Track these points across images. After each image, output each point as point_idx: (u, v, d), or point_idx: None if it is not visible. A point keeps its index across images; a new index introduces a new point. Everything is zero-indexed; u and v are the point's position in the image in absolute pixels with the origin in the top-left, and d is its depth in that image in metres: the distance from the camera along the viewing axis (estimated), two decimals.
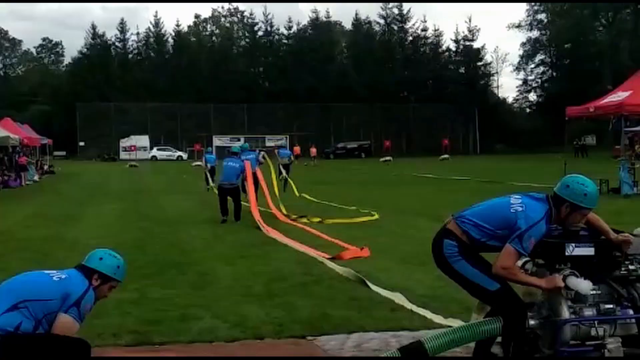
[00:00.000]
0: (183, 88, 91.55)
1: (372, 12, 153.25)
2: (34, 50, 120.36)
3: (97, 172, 47.92)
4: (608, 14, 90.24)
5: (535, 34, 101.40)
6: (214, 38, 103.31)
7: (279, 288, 8.61)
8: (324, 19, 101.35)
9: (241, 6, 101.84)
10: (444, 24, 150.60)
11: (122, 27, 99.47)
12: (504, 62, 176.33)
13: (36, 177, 37.54)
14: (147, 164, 66.18)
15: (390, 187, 28.52)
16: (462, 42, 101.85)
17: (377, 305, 7.56)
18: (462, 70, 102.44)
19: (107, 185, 33.42)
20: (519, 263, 5.05)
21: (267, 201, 17.92)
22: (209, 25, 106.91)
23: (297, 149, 64.67)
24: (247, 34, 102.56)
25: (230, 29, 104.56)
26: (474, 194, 22.88)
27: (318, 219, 15.96)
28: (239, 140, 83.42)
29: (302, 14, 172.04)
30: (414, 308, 7.38)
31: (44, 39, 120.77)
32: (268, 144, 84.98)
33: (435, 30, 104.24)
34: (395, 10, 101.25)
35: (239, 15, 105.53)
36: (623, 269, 4.96)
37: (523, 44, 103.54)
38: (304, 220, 15.93)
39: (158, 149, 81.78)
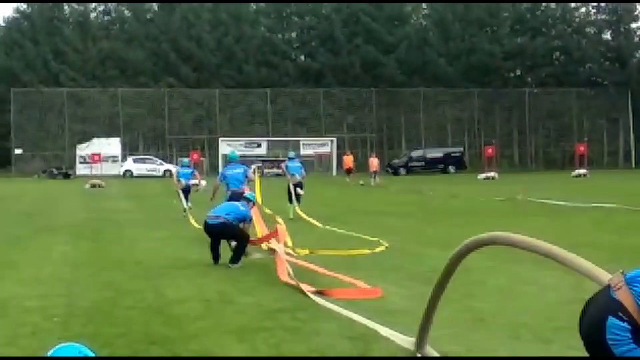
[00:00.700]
0: (173, 66, 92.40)
1: None
2: None
3: (42, 196, 48.44)
4: None
5: None
6: None
7: None
8: None
9: None
10: None
11: None
12: None
13: None
14: (118, 182, 66.80)
15: (495, 220, 28.32)
16: None
17: None
18: (606, 36, 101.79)
19: (57, 215, 33.72)
20: None
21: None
22: None
23: (348, 159, 64.79)
24: None
25: None
26: (629, 232, 22.64)
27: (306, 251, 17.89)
28: (258, 146, 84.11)
29: None
30: None
31: None
32: (305, 151, 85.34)
33: None
34: None
35: None
36: None
37: None
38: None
39: (135, 160, 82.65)
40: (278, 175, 78.94)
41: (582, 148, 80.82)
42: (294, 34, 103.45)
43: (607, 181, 57.80)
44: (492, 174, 67.59)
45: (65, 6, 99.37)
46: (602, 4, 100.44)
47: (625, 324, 4.67)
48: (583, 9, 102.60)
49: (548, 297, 12.86)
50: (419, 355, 9.13)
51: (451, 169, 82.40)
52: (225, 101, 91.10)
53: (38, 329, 10.81)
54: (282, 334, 10.78)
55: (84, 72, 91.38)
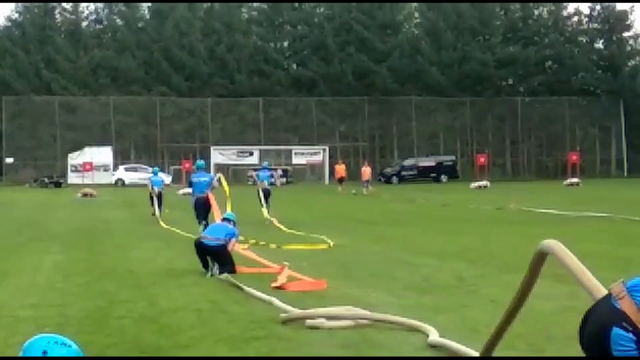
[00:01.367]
0: (165, 74, 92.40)
1: None
2: None
3: (34, 205, 48.39)
4: None
5: None
6: None
7: None
8: None
9: None
10: None
11: None
12: None
13: None
14: (110, 191, 66.76)
15: (487, 229, 28.35)
16: (598, 1, 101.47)
17: None
18: (598, 45, 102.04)
19: (48, 224, 33.70)
20: None
21: None
22: None
23: (340, 168, 64.79)
24: None
25: None
26: (622, 242, 22.68)
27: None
28: (250, 154, 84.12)
29: None
30: None
31: None
32: (297, 159, 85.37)
33: None
34: None
35: None
36: None
37: None
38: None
39: (127, 169, 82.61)
40: (271, 184, 78.85)
41: (574, 157, 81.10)
42: (286, 43, 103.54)
43: (600, 190, 57.86)
44: (484, 182, 67.64)
45: (57, 15, 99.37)
46: (595, 13, 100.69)
47: (630, 335, 4.63)
48: (575, 18, 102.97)
49: (542, 307, 12.84)
50: None
51: (443, 177, 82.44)
52: (217, 110, 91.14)
53: (30, 339, 10.78)
54: (274, 343, 10.78)
55: (76, 80, 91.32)
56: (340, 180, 63.76)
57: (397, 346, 10.32)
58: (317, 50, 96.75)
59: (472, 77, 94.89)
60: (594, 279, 6.06)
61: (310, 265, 17.93)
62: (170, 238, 26.20)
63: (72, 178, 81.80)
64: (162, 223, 31.34)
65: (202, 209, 26.40)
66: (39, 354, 4.77)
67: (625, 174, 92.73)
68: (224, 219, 19.12)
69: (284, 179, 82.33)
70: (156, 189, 36.14)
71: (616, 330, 4.65)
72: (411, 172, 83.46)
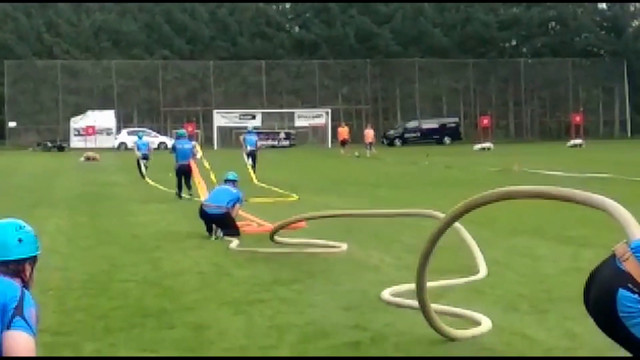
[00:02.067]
0: (167, 38, 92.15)
1: None
2: None
3: (37, 169, 48.41)
4: None
5: None
6: None
7: (317, 351, 8.60)
8: None
9: None
10: None
11: None
12: None
13: None
14: (113, 155, 66.77)
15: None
16: None
17: None
18: (602, 5, 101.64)
19: (52, 189, 33.71)
20: None
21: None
22: None
23: (343, 130, 64.70)
24: None
25: None
26: (623, 203, 22.65)
27: None
28: (253, 117, 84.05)
29: None
30: None
31: None
32: (299, 122, 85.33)
33: None
34: None
35: None
36: None
37: None
38: None
39: (129, 133, 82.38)
40: (273, 146, 79.10)
41: (577, 118, 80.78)
42: (288, 5, 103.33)
43: (603, 151, 57.83)
44: (487, 144, 67.60)
45: None
46: None
47: (636, 296, 4.63)
48: None
49: (544, 268, 12.88)
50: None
51: (447, 139, 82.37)
52: (219, 73, 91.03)
53: None
54: (278, 305, 10.81)
55: (78, 44, 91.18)
56: (343, 142, 63.69)
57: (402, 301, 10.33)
58: (319, 13, 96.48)
59: (475, 38, 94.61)
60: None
61: (313, 226, 17.93)
62: (173, 202, 26.22)
63: (75, 142, 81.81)
64: (150, 182, 33.68)
65: (184, 176, 27.48)
66: (15, 241, 5.02)
67: (629, 134, 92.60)
68: (226, 180, 18.86)
69: (287, 142, 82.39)
70: (140, 153, 38.17)
71: (622, 292, 4.64)
72: (414, 135, 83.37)
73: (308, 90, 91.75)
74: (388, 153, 64.37)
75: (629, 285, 4.64)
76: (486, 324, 9.17)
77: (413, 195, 26.88)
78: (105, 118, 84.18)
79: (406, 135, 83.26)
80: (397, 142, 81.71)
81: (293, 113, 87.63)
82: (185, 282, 12.77)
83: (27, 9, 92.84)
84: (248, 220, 19.22)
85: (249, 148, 39.27)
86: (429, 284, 10.50)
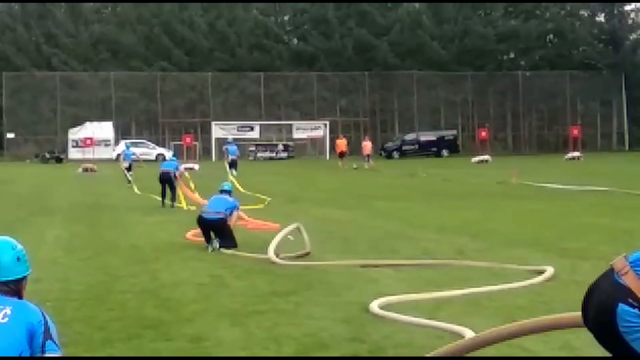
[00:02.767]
0: (166, 49, 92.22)
1: None
2: None
3: (35, 180, 48.39)
4: None
5: None
6: None
7: None
8: None
9: None
10: None
11: None
12: None
13: None
14: (110, 166, 66.71)
15: (489, 203, 28.37)
16: None
17: None
18: (600, 18, 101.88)
19: (50, 199, 33.73)
20: None
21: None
22: None
23: (341, 143, 64.69)
24: None
25: None
26: (623, 215, 22.72)
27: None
28: (251, 129, 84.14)
29: None
30: None
31: None
32: (297, 134, 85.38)
33: None
34: None
35: None
36: None
37: None
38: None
39: (128, 144, 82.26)
40: (271, 158, 79.15)
41: (575, 131, 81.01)
42: (286, 17, 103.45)
43: (601, 164, 57.89)
44: (485, 157, 67.67)
45: None
46: None
47: (636, 310, 4.61)
48: None
49: (542, 278, 12.88)
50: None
51: (444, 152, 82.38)
52: (218, 85, 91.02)
53: None
54: (276, 317, 10.82)
55: (76, 55, 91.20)
56: (341, 155, 63.65)
57: (400, 317, 10.33)
58: (318, 25, 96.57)
59: (473, 51, 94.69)
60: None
61: (311, 238, 17.96)
62: (171, 213, 26.26)
63: (73, 153, 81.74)
64: (136, 189, 36.22)
65: (164, 185, 28.70)
66: (14, 260, 5.07)
67: (627, 147, 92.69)
68: (222, 191, 19.03)
69: (285, 154, 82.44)
70: (126, 162, 43.44)
71: (622, 307, 4.62)
72: (412, 147, 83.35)
73: (306, 102, 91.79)
74: (386, 165, 64.42)
75: (629, 299, 4.63)
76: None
77: (411, 208, 26.91)
78: (103, 129, 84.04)
79: (404, 147, 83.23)
80: (395, 154, 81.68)
81: (291, 125, 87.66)
82: (184, 293, 12.79)
83: (26, 20, 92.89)
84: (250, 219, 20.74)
85: (230, 157, 46.15)
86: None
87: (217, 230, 17.49)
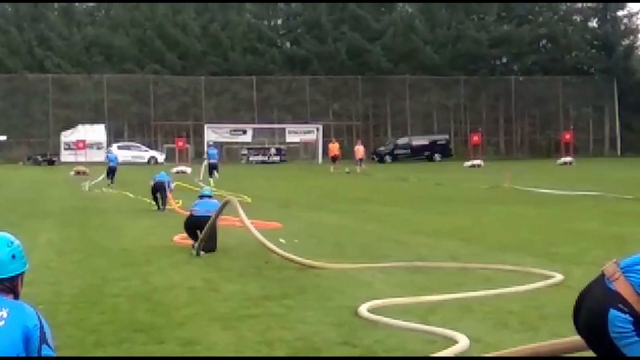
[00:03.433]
0: (159, 52, 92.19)
1: None
2: None
3: (28, 183, 48.36)
4: None
5: None
6: None
7: None
8: None
9: None
10: None
11: None
12: None
13: None
14: (103, 169, 66.54)
15: (481, 208, 28.38)
16: None
17: None
18: (592, 24, 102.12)
19: (42, 202, 33.68)
20: None
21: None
22: None
23: (333, 147, 64.76)
24: None
25: None
26: (614, 220, 22.76)
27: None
28: (244, 133, 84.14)
29: None
30: None
31: None
32: (290, 138, 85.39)
33: None
34: None
35: None
36: None
37: None
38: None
39: (120, 147, 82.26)
40: (264, 162, 79.17)
41: (568, 136, 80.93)
42: (279, 21, 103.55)
43: (593, 169, 57.98)
44: (478, 161, 67.70)
45: None
46: None
47: (627, 316, 4.62)
48: None
49: (535, 285, 12.88)
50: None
51: (437, 156, 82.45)
52: (210, 88, 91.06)
53: None
54: (268, 321, 10.81)
55: (69, 58, 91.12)
56: (334, 158, 63.69)
57: (392, 322, 10.33)
58: (311, 29, 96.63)
59: (466, 55, 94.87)
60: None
61: (302, 242, 17.97)
62: (163, 217, 26.23)
63: (66, 156, 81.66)
64: (112, 190, 39.18)
65: (155, 193, 29.16)
66: (9, 257, 5.10)
67: (619, 153, 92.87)
68: (202, 197, 19.25)
69: (278, 158, 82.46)
70: (111, 164, 45.21)
71: (613, 312, 4.64)
72: (404, 151, 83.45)
73: (299, 106, 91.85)
74: (378, 169, 64.43)
75: (619, 305, 4.64)
76: (464, 341, 9.19)
77: (403, 212, 26.92)
78: (95, 132, 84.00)
79: (396, 151, 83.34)
80: (388, 158, 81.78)
81: (284, 129, 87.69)
82: (175, 297, 12.78)
83: (19, 23, 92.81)
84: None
85: (210, 161, 48.11)
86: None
87: (202, 227, 17.52)
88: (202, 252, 16.95)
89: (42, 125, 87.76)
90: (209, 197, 19.17)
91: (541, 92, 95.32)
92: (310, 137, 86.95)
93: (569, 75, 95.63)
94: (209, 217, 17.52)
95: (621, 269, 4.79)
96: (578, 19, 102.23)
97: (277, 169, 69.19)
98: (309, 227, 22.01)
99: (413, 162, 78.68)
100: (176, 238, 19.36)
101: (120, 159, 78.24)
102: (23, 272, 5.21)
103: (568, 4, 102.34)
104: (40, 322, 4.91)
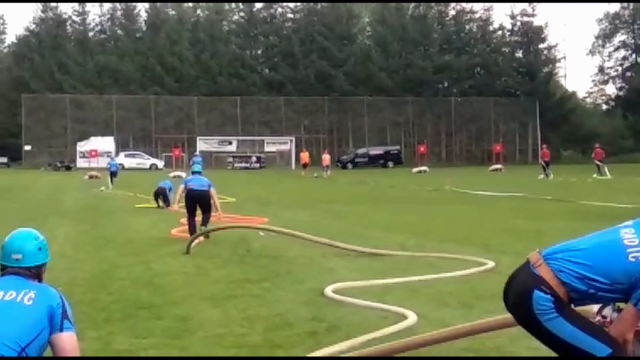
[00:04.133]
0: (158, 76, 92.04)
1: None
2: None
3: (48, 186, 48.09)
4: None
5: (615, 7, 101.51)
6: (198, 12, 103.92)
7: (282, 338, 8.59)
8: None
9: None
10: None
11: None
12: (574, 44, 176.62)
13: None
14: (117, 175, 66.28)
15: (426, 207, 28.46)
16: (519, 17, 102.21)
17: None
18: (519, 54, 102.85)
19: (60, 202, 33.51)
20: (594, 309, 5.00)
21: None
22: None
23: (304, 155, 64.75)
24: (241, 6, 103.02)
25: None
26: (537, 217, 22.88)
27: None
28: (230, 143, 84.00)
29: None
30: None
31: None
32: (268, 148, 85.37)
33: (485, 3, 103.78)
34: None
35: None
36: None
37: (599, 21, 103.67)
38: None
39: (126, 155, 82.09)
40: (246, 168, 79.02)
41: (498, 147, 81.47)
42: (259, 51, 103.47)
43: (518, 175, 58.20)
44: (424, 168, 67.91)
45: (68, 26, 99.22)
46: (516, 28, 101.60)
47: (548, 296, 4.65)
48: (499, 32, 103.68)
49: (470, 270, 12.91)
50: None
51: (390, 164, 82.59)
52: (202, 107, 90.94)
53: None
54: (249, 300, 10.79)
55: (84, 81, 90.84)
56: (305, 165, 63.68)
57: (351, 301, 10.31)
58: (286, 57, 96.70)
59: (414, 80, 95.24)
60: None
61: (278, 235, 17.92)
62: (162, 215, 26.12)
63: (81, 163, 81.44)
64: (111, 190, 40.25)
65: (157, 196, 29.23)
66: (36, 249, 5.22)
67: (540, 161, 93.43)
68: (194, 172, 19.34)
69: (258, 165, 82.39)
70: (111, 170, 46.07)
71: (537, 293, 4.66)
72: (363, 159, 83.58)
73: (276, 121, 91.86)
74: (341, 174, 64.50)
75: (542, 287, 4.67)
76: (412, 317, 9.20)
77: (363, 210, 26.94)
78: (106, 143, 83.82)
79: (357, 159, 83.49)
80: (349, 165, 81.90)
81: (263, 140, 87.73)
82: (172, 280, 12.73)
83: (42, 51, 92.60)
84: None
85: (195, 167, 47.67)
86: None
87: (202, 201, 18.09)
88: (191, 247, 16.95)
89: (61, 137, 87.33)
90: (199, 173, 19.18)
91: (476, 110, 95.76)
92: (285, 147, 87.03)
93: (499, 96, 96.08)
94: (204, 191, 18.07)
95: (543, 257, 4.81)
96: (507, 50, 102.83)
97: (257, 174, 69.07)
98: (285, 222, 21.95)
99: (370, 168, 78.81)
100: (173, 232, 19.29)
101: (126, 165, 78.82)
102: (46, 262, 5.29)
103: (499, 38, 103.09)
104: (62, 301, 4.98)
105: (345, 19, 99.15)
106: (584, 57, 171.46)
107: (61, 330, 4.86)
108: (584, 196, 30.61)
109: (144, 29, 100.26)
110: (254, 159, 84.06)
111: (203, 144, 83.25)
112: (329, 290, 10.97)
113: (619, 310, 4.97)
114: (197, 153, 60.75)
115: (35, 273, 5.13)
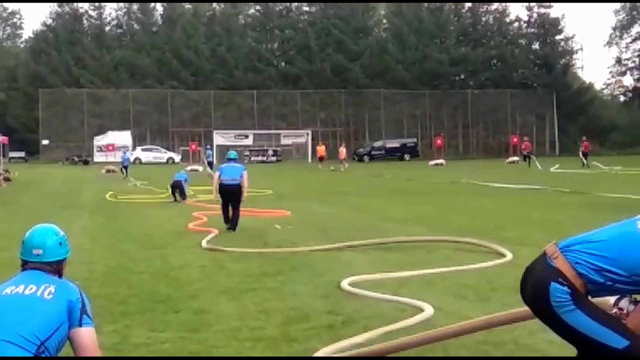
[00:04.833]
0: (175, 70, 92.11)
1: None
2: None
3: (66, 179, 48.26)
4: None
5: None
6: (214, 5, 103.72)
7: (298, 331, 8.59)
8: None
9: None
10: None
11: None
12: (591, 35, 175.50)
13: None
14: (129, 168, 66.44)
15: (443, 199, 28.39)
16: (535, 9, 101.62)
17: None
18: (535, 46, 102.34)
19: (78, 195, 33.62)
20: (611, 300, 4.98)
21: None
22: None
23: (320, 149, 64.66)
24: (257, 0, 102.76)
25: None
26: (555, 209, 22.79)
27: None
28: (246, 137, 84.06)
29: None
30: None
31: None
32: (284, 141, 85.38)
33: None
34: None
35: None
36: None
37: (616, 12, 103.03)
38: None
39: (143, 149, 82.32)
40: (263, 161, 79.08)
41: (515, 139, 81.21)
42: (275, 45, 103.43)
43: (536, 167, 57.99)
44: (440, 161, 67.73)
45: (85, 20, 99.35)
46: (532, 19, 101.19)
47: (565, 288, 4.63)
48: (516, 24, 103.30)
49: (487, 263, 12.87)
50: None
51: (407, 156, 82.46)
52: (218, 100, 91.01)
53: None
54: (266, 294, 10.78)
55: (100, 75, 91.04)
56: (321, 159, 63.64)
57: (370, 294, 10.30)
58: (302, 51, 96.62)
59: (431, 73, 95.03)
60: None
61: (295, 228, 17.93)
62: (179, 208, 26.15)
63: (98, 157, 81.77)
64: (132, 179, 43.08)
65: (174, 189, 29.20)
66: (56, 244, 5.25)
67: (557, 153, 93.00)
68: (229, 159, 19.58)
69: (274, 158, 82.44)
70: (125, 163, 50.14)
71: (554, 285, 4.65)
72: (380, 152, 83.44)
73: (292, 115, 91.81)
74: (358, 167, 64.42)
75: (559, 279, 4.65)
76: (429, 310, 9.16)
77: (378, 203, 26.91)
78: (123, 137, 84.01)
79: (373, 152, 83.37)
80: (366, 158, 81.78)
81: (279, 134, 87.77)
82: (189, 274, 12.74)
83: (59, 46, 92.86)
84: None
85: (208, 159, 56.55)
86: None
87: (232, 196, 18.36)
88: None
89: (78, 131, 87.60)
90: (234, 160, 19.46)
91: (493, 103, 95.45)
92: (301, 140, 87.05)
93: (516, 89, 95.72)
94: (235, 185, 18.35)
95: (560, 249, 4.79)
96: (523, 42, 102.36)
97: (274, 167, 69.10)
98: (301, 215, 21.99)
99: (387, 161, 78.68)
100: (190, 225, 19.30)
101: (143, 160, 79.10)
102: (66, 258, 5.33)
103: (515, 30, 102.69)
104: (82, 295, 5.01)
105: (361, 12, 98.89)
106: (601, 48, 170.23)
107: (80, 325, 4.89)
108: (600, 189, 30.46)
109: (160, 23, 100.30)
110: (270, 152, 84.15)
111: (220, 138, 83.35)
112: (345, 284, 10.96)
113: (636, 302, 4.95)
114: (209, 146, 65.11)
115: (55, 268, 5.16)
